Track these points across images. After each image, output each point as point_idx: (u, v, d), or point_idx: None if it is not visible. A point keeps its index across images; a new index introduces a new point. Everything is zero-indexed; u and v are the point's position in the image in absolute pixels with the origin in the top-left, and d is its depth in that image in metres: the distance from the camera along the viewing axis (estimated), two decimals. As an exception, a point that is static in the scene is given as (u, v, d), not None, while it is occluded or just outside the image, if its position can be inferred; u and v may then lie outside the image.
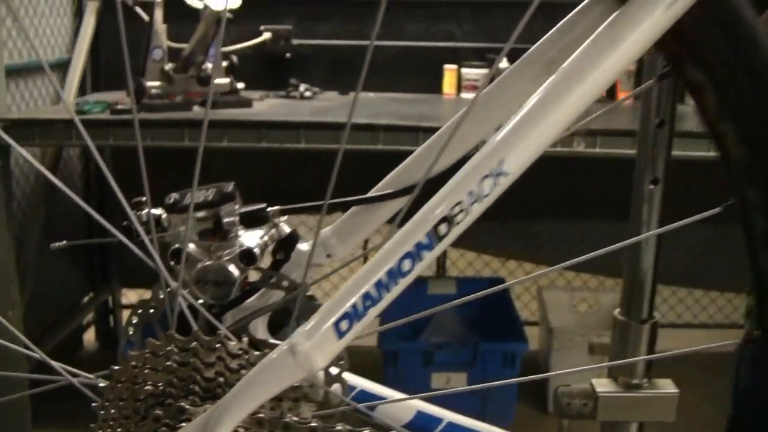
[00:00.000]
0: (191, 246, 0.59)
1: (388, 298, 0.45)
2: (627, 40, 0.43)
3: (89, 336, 3.65)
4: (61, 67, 3.17)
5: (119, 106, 2.59)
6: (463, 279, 3.49)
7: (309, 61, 3.35)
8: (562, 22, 0.59)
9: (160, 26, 2.76)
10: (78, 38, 3.24)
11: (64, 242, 0.70)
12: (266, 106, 2.89)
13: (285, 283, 0.59)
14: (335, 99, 3.13)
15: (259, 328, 0.62)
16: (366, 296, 0.45)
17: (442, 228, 0.44)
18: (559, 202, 3.39)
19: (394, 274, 0.44)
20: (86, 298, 3.51)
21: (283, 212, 0.60)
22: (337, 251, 0.61)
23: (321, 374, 0.59)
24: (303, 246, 0.60)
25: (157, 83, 2.71)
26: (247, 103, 2.82)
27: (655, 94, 0.83)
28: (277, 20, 3.33)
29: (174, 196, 0.59)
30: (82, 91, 3.23)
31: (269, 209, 0.60)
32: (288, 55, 3.29)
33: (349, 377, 0.60)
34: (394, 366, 2.81)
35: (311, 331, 0.47)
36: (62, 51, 3.19)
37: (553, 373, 2.73)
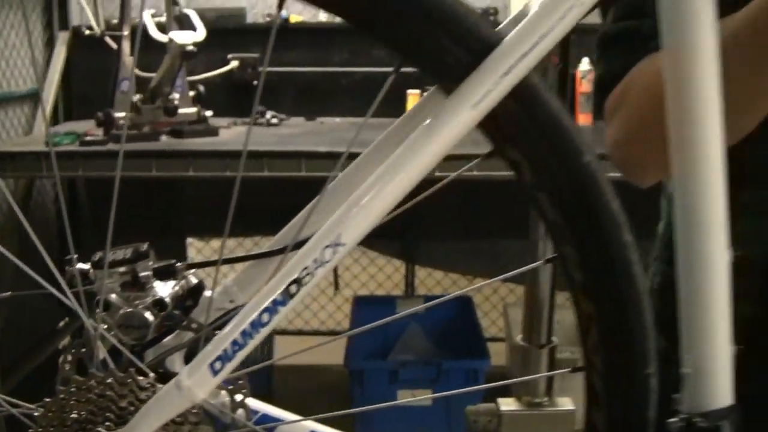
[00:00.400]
0: (113, 296, 0.69)
1: (251, 345, 0.54)
2: (440, 134, 0.53)
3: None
4: (33, 98, 3.25)
5: (88, 138, 2.68)
6: (431, 297, 3.58)
7: (276, 88, 3.45)
8: (409, 110, 0.69)
9: (127, 58, 2.86)
10: (49, 69, 3.32)
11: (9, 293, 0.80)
12: (233, 134, 2.98)
13: (193, 325, 0.69)
14: (301, 125, 3.23)
15: (177, 363, 0.71)
16: (234, 342, 0.55)
17: (293, 288, 0.53)
18: (521, 222, 3.49)
19: (256, 324, 0.54)
20: (62, 323, 3.58)
21: (189, 267, 0.70)
22: (238, 298, 0.70)
23: (227, 401, 0.69)
24: (208, 293, 0.70)
25: (125, 114, 2.79)
26: (213, 132, 2.91)
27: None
28: (244, 48, 3.43)
29: (99, 254, 0.69)
30: (54, 120, 3.32)
31: (178, 264, 0.70)
32: (255, 82, 3.39)
33: (254, 403, 0.70)
34: (361, 384, 2.90)
35: (192, 369, 0.57)
36: (33, 82, 3.27)
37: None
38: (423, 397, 2.97)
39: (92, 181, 3.26)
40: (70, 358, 0.73)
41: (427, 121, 0.54)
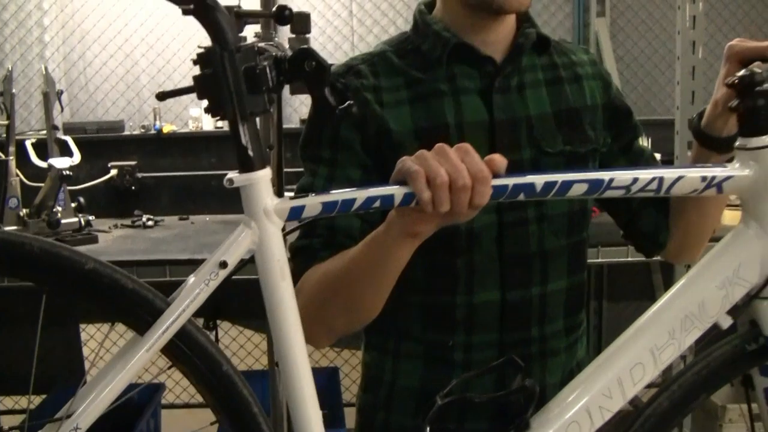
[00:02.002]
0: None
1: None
2: (133, 356, 0.99)
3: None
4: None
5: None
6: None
7: (153, 191, 3.90)
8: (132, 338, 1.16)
9: (14, 179, 3.28)
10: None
11: None
12: (111, 238, 3.40)
13: None
14: (174, 225, 3.67)
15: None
16: None
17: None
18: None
19: None
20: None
21: None
22: None
23: None
24: None
25: (13, 227, 3.20)
26: (94, 240, 3.32)
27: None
28: (122, 157, 3.87)
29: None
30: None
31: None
32: (133, 187, 3.82)
33: None
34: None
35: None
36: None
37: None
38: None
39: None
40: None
41: (125, 354, 1.00)
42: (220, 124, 3.94)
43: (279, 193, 1.12)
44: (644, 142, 1.55)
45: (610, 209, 1.55)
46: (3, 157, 3.31)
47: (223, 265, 1.03)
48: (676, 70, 3.10)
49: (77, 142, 3.43)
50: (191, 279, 1.04)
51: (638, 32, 4.45)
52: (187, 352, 1.04)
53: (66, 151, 3.35)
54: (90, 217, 3.46)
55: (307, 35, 1.55)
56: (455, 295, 1.37)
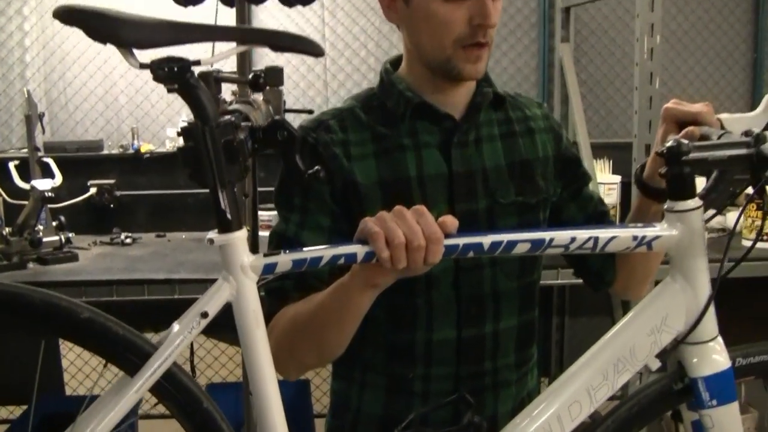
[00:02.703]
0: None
1: None
2: (126, 395, 1.11)
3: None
4: None
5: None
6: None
7: (131, 208, 4.00)
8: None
9: (-4, 200, 3.38)
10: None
11: None
12: (92, 256, 3.50)
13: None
14: (151, 242, 3.77)
15: None
16: None
17: None
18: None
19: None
20: None
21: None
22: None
23: None
24: None
25: (-4, 246, 3.30)
26: (74, 258, 3.41)
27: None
28: (101, 176, 3.98)
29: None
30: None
31: None
32: (112, 205, 3.92)
33: None
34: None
35: None
36: None
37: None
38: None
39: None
40: None
41: (116, 393, 1.12)
42: (197, 144, 4.07)
43: (253, 247, 1.24)
44: (592, 187, 1.69)
45: None
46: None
47: (204, 315, 1.15)
48: (634, 100, 3.25)
49: (57, 160, 3.53)
50: (175, 327, 1.16)
51: (601, 57, 4.61)
52: (172, 391, 1.16)
53: (47, 172, 3.45)
54: (70, 235, 3.54)
55: (281, 87, 1.67)
56: (415, 332, 1.50)
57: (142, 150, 4.06)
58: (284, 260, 1.17)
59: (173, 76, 1.09)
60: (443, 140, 1.51)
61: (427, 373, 1.52)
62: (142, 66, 1.08)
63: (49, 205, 3.50)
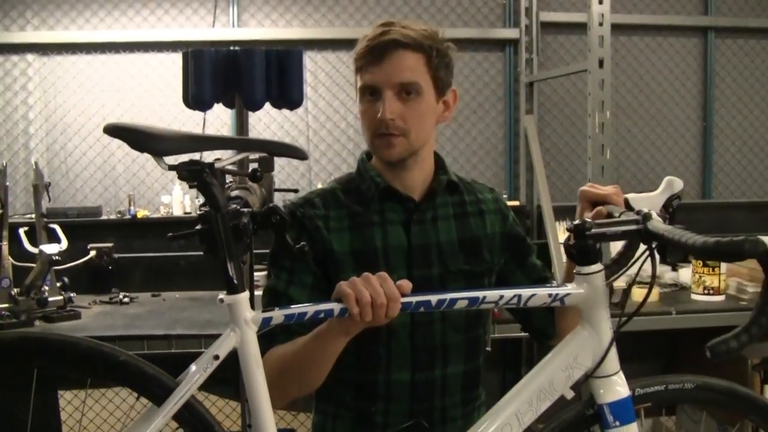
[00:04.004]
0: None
1: None
2: (155, 419, 1.43)
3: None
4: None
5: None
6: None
7: (127, 270, 4.33)
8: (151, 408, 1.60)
9: (6, 261, 3.69)
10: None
11: None
12: (93, 314, 3.81)
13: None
14: (147, 301, 4.08)
15: None
16: None
17: None
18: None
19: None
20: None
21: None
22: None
23: None
24: None
25: (6, 305, 3.60)
26: (77, 316, 3.72)
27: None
28: (100, 239, 4.30)
29: None
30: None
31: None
32: (110, 267, 4.24)
33: None
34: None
35: None
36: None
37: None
38: None
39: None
40: None
41: (146, 419, 1.44)
42: (188, 210, 4.42)
43: (252, 305, 1.57)
44: (535, 259, 2.02)
45: (511, 311, 2.02)
46: (-3, 242, 3.73)
47: (216, 357, 1.48)
48: (587, 169, 3.62)
49: (59, 225, 3.87)
50: (193, 367, 1.49)
51: (562, 127, 5.00)
52: (190, 417, 1.49)
53: (53, 237, 3.78)
54: (71, 294, 3.87)
55: (272, 173, 2.02)
56: (377, 374, 1.83)
57: (138, 215, 4.41)
58: (278, 315, 1.51)
59: (193, 176, 1.43)
60: (405, 218, 1.85)
61: (387, 408, 1.84)
62: (171, 168, 1.42)
63: (54, 267, 3.82)
